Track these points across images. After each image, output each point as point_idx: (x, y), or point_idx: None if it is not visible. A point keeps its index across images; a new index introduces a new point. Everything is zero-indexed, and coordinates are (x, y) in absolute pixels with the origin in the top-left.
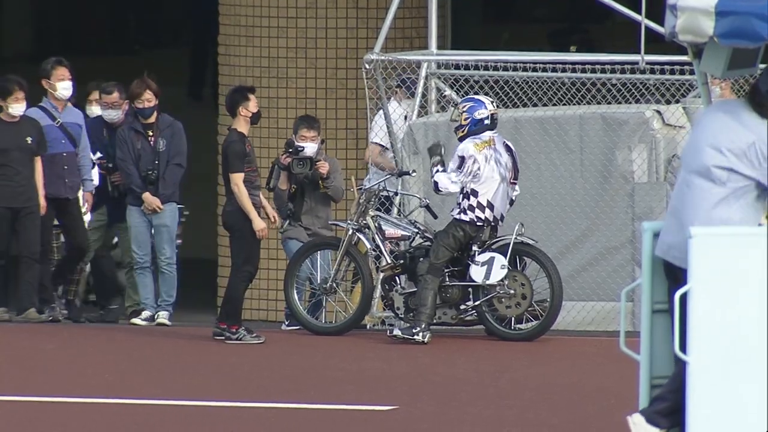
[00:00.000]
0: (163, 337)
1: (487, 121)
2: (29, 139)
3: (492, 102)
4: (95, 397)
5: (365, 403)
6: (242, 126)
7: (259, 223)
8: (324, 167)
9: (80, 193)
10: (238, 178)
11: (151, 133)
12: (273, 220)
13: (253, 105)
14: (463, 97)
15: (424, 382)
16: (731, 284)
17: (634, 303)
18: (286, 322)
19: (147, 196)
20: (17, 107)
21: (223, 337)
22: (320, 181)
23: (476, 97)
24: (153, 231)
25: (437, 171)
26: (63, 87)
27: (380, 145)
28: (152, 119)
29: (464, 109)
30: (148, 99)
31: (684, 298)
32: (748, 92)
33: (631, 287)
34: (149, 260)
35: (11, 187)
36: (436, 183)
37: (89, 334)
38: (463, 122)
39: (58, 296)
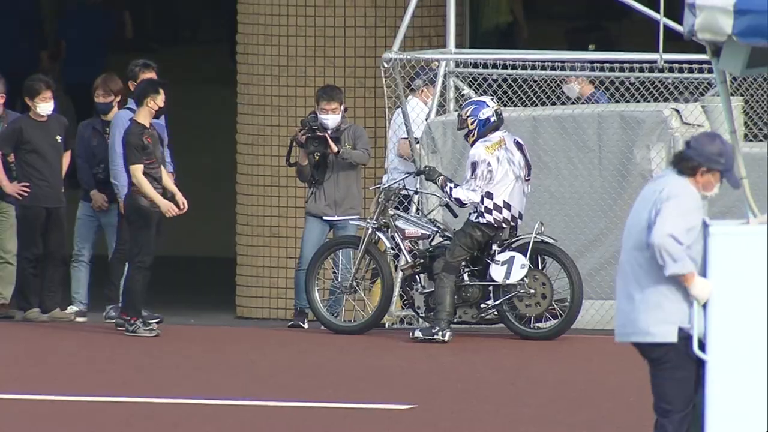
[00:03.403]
0: (181, 335)
1: (493, 119)
2: (59, 138)
3: (492, 99)
4: (114, 396)
5: (384, 401)
6: (145, 118)
7: (164, 205)
8: (332, 149)
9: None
10: (136, 170)
11: (108, 132)
12: (183, 207)
13: (161, 99)
14: (488, 94)
15: (442, 381)
16: (749, 283)
17: None
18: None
19: (95, 193)
20: (45, 106)
21: (123, 328)
22: (335, 155)
23: (475, 98)
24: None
25: (451, 188)
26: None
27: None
28: (110, 116)
29: (468, 114)
30: (110, 94)
31: None
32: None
33: None
34: (87, 255)
35: (47, 187)
36: (458, 200)
37: (108, 332)
38: (471, 126)
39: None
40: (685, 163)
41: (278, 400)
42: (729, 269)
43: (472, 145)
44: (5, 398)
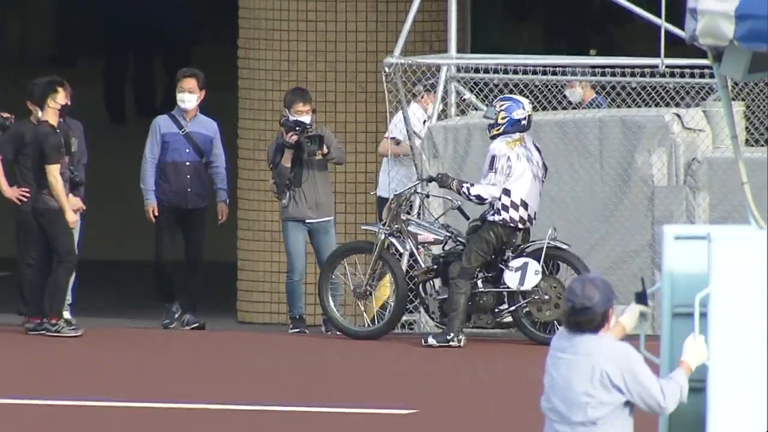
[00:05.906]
0: (183, 339)
1: (524, 122)
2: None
3: (529, 103)
4: (114, 400)
5: (385, 406)
6: (52, 118)
7: (71, 217)
8: (323, 150)
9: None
10: (55, 170)
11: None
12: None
13: (61, 97)
14: (489, 99)
15: (443, 386)
16: (751, 288)
17: (654, 306)
18: (323, 328)
19: (71, 198)
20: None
21: (42, 331)
22: (323, 156)
23: (514, 96)
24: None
25: (468, 188)
26: (180, 99)
27: (394, 138)
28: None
29: (502, 108)
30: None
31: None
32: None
33: (651, 290)
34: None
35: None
36: (478, 197)
37: (115, 336)
38: (500, 120)
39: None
40: (596, 319)
41: (279, 405)
42: (730, 274)
43: (492, 139)
44: (6, 402)
